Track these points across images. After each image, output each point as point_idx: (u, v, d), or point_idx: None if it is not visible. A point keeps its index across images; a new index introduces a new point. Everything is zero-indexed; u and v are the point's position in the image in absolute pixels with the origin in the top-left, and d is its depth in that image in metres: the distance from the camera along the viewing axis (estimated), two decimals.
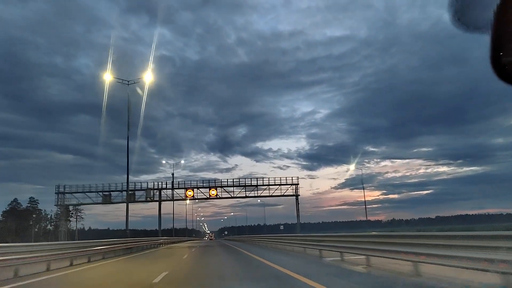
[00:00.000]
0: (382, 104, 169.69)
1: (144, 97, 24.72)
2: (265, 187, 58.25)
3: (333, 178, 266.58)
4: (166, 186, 57.54)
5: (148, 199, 56.21)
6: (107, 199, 55.79)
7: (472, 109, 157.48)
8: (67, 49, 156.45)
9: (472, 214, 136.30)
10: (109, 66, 24.15)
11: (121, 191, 54.37)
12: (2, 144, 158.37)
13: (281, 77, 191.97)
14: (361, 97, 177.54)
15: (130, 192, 39.84)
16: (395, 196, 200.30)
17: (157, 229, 60.86)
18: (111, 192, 55.65)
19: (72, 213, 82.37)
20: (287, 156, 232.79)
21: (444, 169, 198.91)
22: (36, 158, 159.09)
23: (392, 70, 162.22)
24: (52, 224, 79.88)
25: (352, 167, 42.22)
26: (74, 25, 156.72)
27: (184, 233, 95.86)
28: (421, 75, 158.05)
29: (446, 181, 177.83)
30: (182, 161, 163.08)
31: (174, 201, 58.69)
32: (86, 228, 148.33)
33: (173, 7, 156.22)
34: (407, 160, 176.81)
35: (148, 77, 24.94)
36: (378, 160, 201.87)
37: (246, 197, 58.51)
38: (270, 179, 68.89)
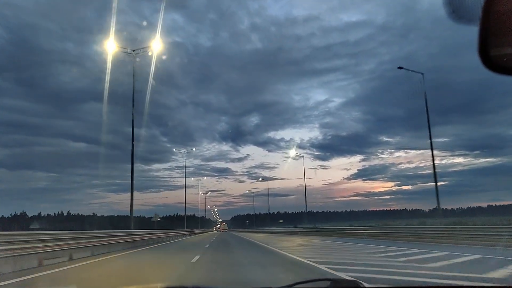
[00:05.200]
0: (399, 93, 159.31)
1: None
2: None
3: (346, 169, 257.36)
4: None
5: None
6: None
7: (491, 98, 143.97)
8: (79, 35, 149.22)
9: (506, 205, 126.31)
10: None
11: None
12: (16, 131, 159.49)
13: (295, 64, 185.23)
14: (377, 86, 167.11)
15: None
16: (409, 187, 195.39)
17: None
18: None
19: None
20: (300, 146, 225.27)
21: (460, 160, 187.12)
22: (49, 146, 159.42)
23: (410, 57, 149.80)
24: None
25: None
26: (86, 10, 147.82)
27: (190, 221, 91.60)
28: (440, 62, 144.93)
29: (461, 173, 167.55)
30: (194, 149, 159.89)
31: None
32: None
33: None
34: (421, 151, 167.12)
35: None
36: (392, 150, 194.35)
37: None
38: None
